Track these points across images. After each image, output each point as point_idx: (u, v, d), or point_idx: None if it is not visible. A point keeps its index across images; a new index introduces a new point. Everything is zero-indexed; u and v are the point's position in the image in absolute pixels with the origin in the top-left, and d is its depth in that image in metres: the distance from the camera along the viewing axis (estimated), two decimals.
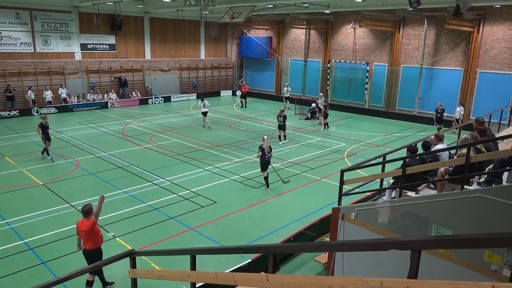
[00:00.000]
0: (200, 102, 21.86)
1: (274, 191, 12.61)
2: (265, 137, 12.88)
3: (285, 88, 28.91)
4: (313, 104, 25.16)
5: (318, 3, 23.32)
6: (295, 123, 23.33)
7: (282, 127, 18.38)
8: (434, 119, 21.14)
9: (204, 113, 21.71)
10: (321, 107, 22.81)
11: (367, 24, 24.45)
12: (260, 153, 12.31)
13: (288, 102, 28.02)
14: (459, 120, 20.78)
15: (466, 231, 4.91)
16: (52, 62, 25.34)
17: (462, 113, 21.24)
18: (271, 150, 12.61)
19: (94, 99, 26.89)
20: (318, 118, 23.65)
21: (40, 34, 24.49)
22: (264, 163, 12.45)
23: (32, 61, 24.54)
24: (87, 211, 7.05)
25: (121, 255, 5.36)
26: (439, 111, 20.64)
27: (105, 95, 27.56)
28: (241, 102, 28.79)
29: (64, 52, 25.81)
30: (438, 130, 18.74)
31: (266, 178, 12.65)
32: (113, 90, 28.02)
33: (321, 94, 25.61)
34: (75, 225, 7.17)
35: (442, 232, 5.19)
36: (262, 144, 12.45)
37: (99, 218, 7.39)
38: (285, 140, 18.67)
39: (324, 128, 21.64)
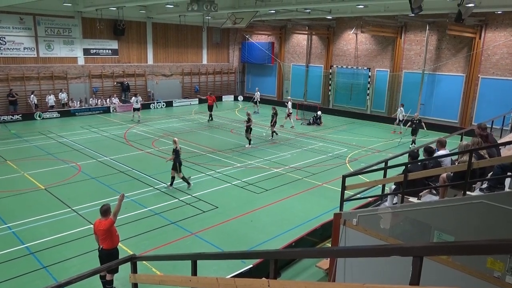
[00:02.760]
0: (134, 97, 24.18)
1: (275, 196, 12.60)
2: (176, 139, 13.12)
3: (256, 92, 29.21)
4: (319, 112, 25.15)
5: (320, 8, 23.41)
6: (297, 128, 23.33)
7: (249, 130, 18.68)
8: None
9: (137, 109, 23.84)
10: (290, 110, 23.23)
11: (369, 30, 24.52)
12: (174, 156, 12.65)
13: (258, 105, 28.75)
14: (402, 121, 21.62)
15: (469, 238, 4.89)
16: (55, 66, 25.46)
17: (404, 113, 21.75)
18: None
19: (96, 104, 27.00)
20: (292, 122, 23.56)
21: (43, 39, 24.64)
22: (180, 164, 12.83)
23: (35, 65, 24.66)
24: (105, 211, 7.12)
25: (122, 260, 5.36)
26: (415, 121, 19.01)
27: (108, 99, 27.66)
28: (209, 115, 25.19)
29: (67, 57, 25.94)
30: (413, 142, 18.74)
31: (184, 178, 12.93)
32: (115, 95, 28.12)
33: (289, 97, 25.94)
34: (76, 228, 7.17)
35: (444, 238, 5.17)
36: (176, 147, 12.72)
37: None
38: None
39: (272, 136, 20.64)
